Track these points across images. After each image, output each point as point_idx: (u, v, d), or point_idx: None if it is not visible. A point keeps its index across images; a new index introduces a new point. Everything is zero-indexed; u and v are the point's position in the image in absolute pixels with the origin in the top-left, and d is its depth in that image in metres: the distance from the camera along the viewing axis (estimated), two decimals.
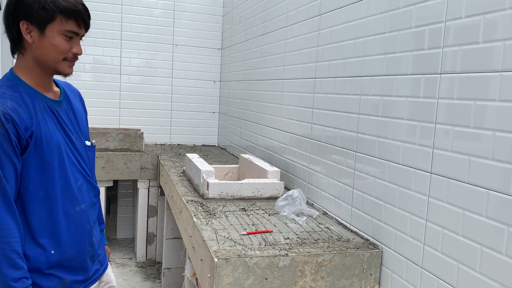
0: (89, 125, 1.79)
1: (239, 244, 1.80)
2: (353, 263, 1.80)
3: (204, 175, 2.56)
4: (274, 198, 2.52)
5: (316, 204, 2.45)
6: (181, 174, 3.24)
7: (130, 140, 4.19)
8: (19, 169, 1.37)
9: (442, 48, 1.54)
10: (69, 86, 1.68)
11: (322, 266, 1.75)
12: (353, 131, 2.09)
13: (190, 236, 2.20)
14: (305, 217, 2.16)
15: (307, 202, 2.45)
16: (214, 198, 2.49)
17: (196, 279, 2.30)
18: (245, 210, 2.30)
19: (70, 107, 1.59)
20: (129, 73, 4.74)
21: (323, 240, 1.91)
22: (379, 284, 1.85)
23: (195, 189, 2.73)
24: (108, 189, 4.45)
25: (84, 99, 1.77)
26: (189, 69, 4.90)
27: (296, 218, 2.15)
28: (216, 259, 1.64)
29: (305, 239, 1.91)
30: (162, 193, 4.01)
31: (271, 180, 2.60)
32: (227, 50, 4.73)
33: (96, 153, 3.99)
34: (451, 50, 1.50)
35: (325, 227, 2.10)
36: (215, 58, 4.96)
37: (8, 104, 1.34)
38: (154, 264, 4.23)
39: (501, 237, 1.30)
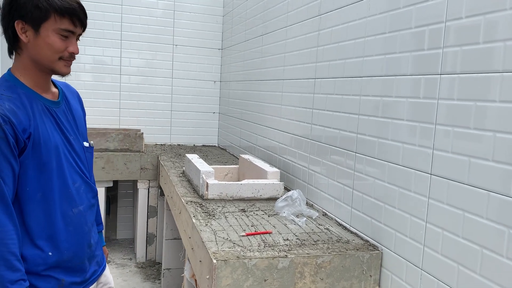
0: (89, 126, 1.79)
1: (238, 245, 1.80)
2: (353, 265, 1.79)
3: (203, 175, 2.55)
4: (274, 199, 2.51)
5: (316, 205, 2.44)
6: (181, 175, 3.23)
7: (130, 140, 4.19)
8: (17, 171, 1.36)
9: (442, 49, 1.53)
10: (67, 86, 1.67)
11: (321, 268, 1.75)
12: (353, 131, 2.08)
13: (189, 237, 2.20)
14: (305, 218, 2.15)
15: (306, 203, 2.45)
16: (213, 199, 2.49)
17: (195, 280, 2.29)
18: (245, 211, 2.29)
19: (69, 108, 1.58)
20: (129, 73, 4.73)
21: (323, 242, 1.90)
22: (379, 286, 1.84)
23: (195, 189, 2.72)
24: (108, 189, 4.44)
25: (84, 99, 1.76)
26: (189, 69, 4.90)
27: (296, 219, 2.14)
28: (214, 261, 1.63)
29: (304, 240, 1.90)
30: (162, 194, 4.01)
31: (271, 181, 2.60)
32: (227, 50, 4.72)
33: (96, 153, 3.99)
34: (451, 50, 1.49)
35: (324, 228, 2.09)
36: (215, 58, 4.95)
37: (6, 105, 1.33)
38: (154, 264, 4.23)
39: (502, 239, 1.29)
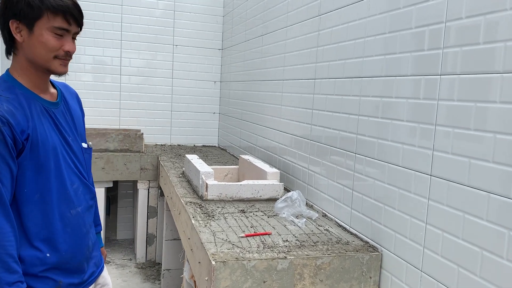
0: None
1: (237, 246, 1.79)
2: (353, 266, 1.78)
3: (203, 176, 2.55)
4: (274, 200, 2.50)
5: (315, 206, 2.43)
6: (181, 175, 3.22)
7: (130, 140, 4.18)
8: (15, 172, 1.35)
9: (442, 49, 1.52)
10: (66, 87, 1.66)
11: (321, 269, 1.74)
12: (352, 132, 2.07)
13: (189, 238, 2.19)
14: (305, 219, 2.14)
15: (306, 203, 2.44)
16: (213, 200, 2.48)
17: (195, 281, 2.28)
18: (244, 212, 2.29)
19: (67, 109, 1.57)
20: (129, 74, 4.73)
21: (322, 243, 1.89)
22: (379, 287, 1.83)
23: (194, 190, 2.72)
24: (108, 189, 4.44)
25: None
26: (189, 70, 4.89)
27: (295, 220, 2.14)
28: (213, 262, 1.62)
29: (304, 241, 1.90)
30: (162, 194, 4.00)
31: (271, 182, 2.59)
32: (227, 50, 4.72)
33: (96, 153, 3.99)
34: (452, 51, 1.48)
35: (324, 229, 2.08)
36: (215, 58, 4.95)
37: (4, 106, 1.33)
38: (154, 265, 4.22)
39: (502, 241, 1.28)
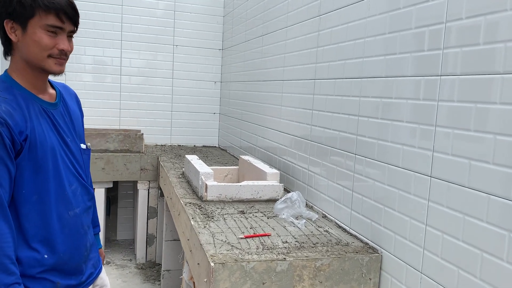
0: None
1: (236, 248, 1.78)
2: (352, 268, 1.77)
3: (202, 177, 2.54)
4: (273, 201, 2.49)
5: (315, 207, 2.42)
6: (180, 176, 3.22)
7: (130, 141, 4.18)
8: (13, 173, 1.35)
9: (443, 50, 1.52)
10: (65, 87, 1.66)
11: (320, 271, 1.73)
12: (352, 133, 2.06)
13: (188, 239, 2.18)
14: (304, 220, 2.13)
15: (306, 204, 2.43)
16: (212, 201, 2.47)
17: (194, 282, 2.28)
18: (244, 213, 2.28)
19: (66, 110, 1.56)
20: (129, 74, 4.72)
21: (322, 244, 1.88)
22: None
23: (194, 191, 2.71)
24: (108, 190, 4.43)
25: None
26: (189, 70, 4.89)
27: (295, 221, 2.13)
28: (212, 264, 1.62)
29: (303, 242, 1.89)
30: (162, 195, 4.00)
31: (271, 182, 2.58)
32: (227, 50, 4.71)
33: (96, 154, 3.98)
34: (452, 51, 1.48)
35: (324, 231, 2.07)
36: (215, 58, 4.94)
37: (2, 107, 1.32)
38: (154, 265, 4.22)
39: (502, 242, 1.27)
